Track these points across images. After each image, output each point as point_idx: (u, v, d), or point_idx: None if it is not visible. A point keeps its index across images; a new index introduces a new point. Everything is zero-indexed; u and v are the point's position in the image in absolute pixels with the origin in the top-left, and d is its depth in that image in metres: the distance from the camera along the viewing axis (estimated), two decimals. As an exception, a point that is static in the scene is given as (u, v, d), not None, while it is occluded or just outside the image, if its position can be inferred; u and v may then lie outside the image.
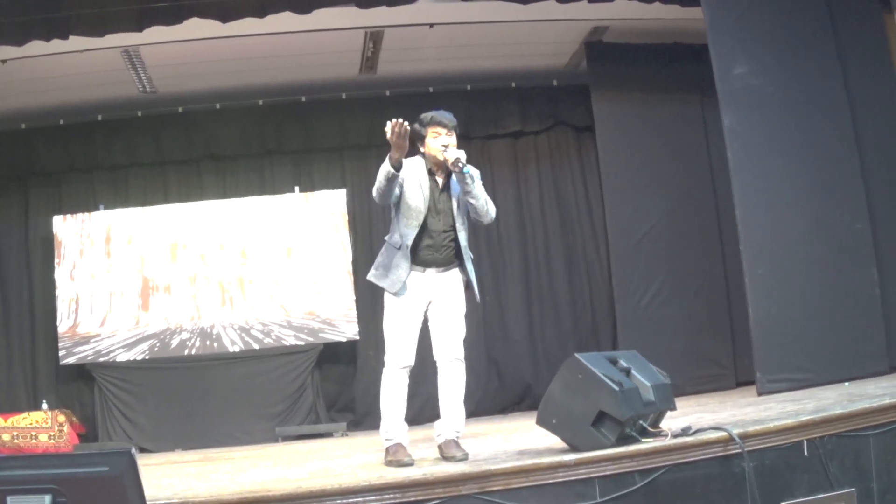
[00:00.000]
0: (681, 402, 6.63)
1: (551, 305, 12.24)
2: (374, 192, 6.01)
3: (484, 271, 12.00)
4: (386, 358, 6.15)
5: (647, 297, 11.08)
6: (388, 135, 5.83)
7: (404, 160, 6.00)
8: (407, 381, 6.16)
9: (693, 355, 10.86)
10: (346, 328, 11.63)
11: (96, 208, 11.79)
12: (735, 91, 8.93)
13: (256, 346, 11.58)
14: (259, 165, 12.32)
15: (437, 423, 6.27)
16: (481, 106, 12.35)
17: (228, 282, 11.73)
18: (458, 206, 6.19)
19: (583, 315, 12.26)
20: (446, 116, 6.24)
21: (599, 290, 12.26)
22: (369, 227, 12.07)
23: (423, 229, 6.10)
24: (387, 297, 6.16)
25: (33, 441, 10.27)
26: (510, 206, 12.29)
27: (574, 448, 5.42)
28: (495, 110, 12.42)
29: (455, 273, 6.19)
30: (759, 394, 8.48)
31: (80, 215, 11.72)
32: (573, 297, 12.29)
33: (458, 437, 6.19)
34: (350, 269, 11.76)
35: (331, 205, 11.91)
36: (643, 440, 5.33)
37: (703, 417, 6.79)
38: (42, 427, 10.33)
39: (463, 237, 6.20)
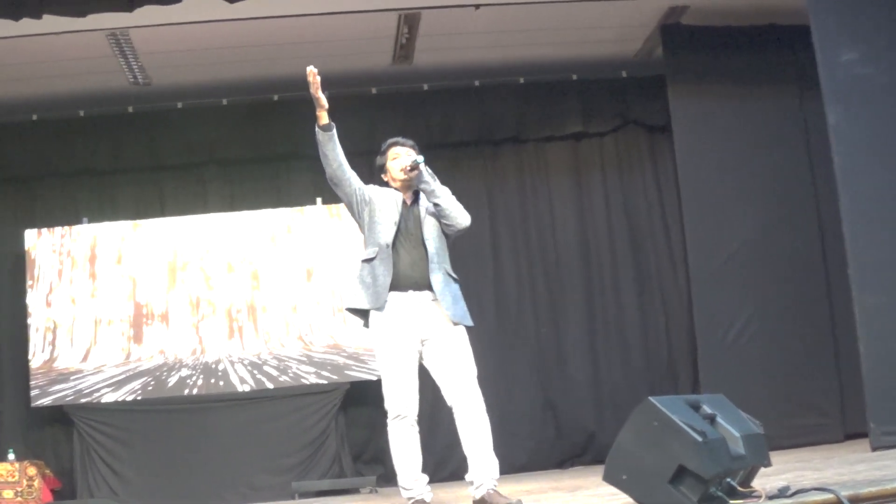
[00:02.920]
0: (776, 457, 6.52)
1: (619, 340, 12.18)
2: (323, 163, 6.94)
3: (539, 298, 11.98)
4: (386, 405, 6.61)
5: (734, 330, 10.97)
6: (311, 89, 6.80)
7: (375, 187, 6.92)
8: (415, 431, 6.59)
9: (790, 401, 10.74)
10: (377, 365, 11.48)
11: (78, 221, 11.83)
12: (842, 82, 8.81)
13: (270, 386, 11.57)
14: (273, 172, 12.37)
15: (469, 474, 6.49)
16: (536, 102, 12.34)
17: (237, 309, 11.74)
18: (428, 222, 6.75)
19: (657, 351, 12.18)
20: (402, 138, 7.04)
21: (677, 321, 12.18)
22: (403, 244, 12.02)
23: (396, 247, 6.66)
24: (374, 331, 6.71)
25: (-4, 499, 10.27)
26: (570, 222, 12.28)
27: (648, 511, 5.30)
28: (553, 108, 12.40)
29: (436, 306, 6.60)
30: (874, 448, 8.31)
31: (58, 229, 11.75)
32: (645, 329, 12.23)
33: (497, 487, 6.42)
34: (381, 294, 11.66)
35: (358, 219, 11.82)
36: (731, 502, 5.21)
37: (803, 476, 6.68)
38: (7, 482, 10.34)
39: (433, 246, 6.67)
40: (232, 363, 11.58)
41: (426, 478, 6.58)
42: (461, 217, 6.69)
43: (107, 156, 11.95)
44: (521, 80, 12.26)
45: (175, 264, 11.71)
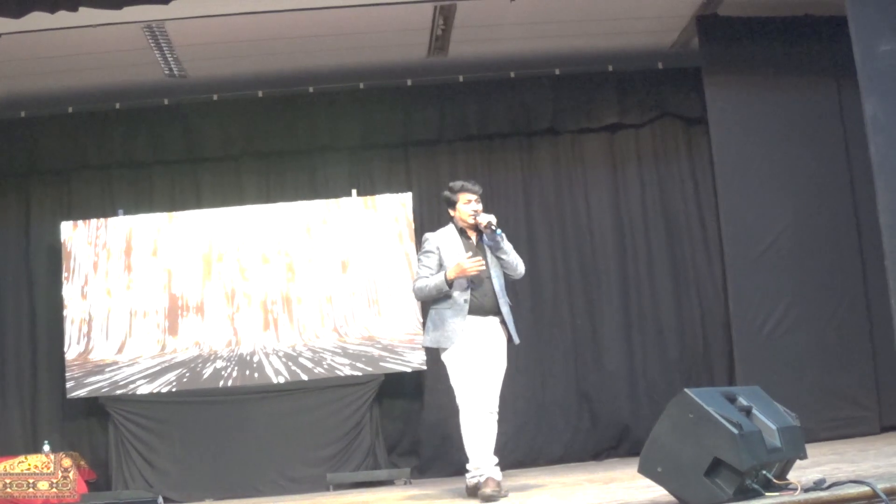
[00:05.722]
0: (812, 450, 6.52)
1: (655, 331, 12.13)
2: (418, 293, 8.18)
3: (575, 290, 11.97)
4: (460, 404, 7.83)
5: (770, 321, 10.94)
6: (467, 269, 7.83)
7: (436, 233, 8.30)
8: (492, 420, 7.84)
9: (827, 393, 10.70)
10: (412, 356, 11.59)
11: (114, 213, 11.89)
12: (880, 73, 8.75)
13: (305, 377, 11.59)
14: (309, 164, 12.37)
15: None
16: (572, 94, 12.29)
17: (273, 301, 11.76)
18: (492, 258, 8.12)
19: (692, 343, 12.13)
20: (475, 186, 8.22)
21: (713, 313, 12.12)
22: (438, 237, 12.05)
23: (466, 285, 7.95)
24: (445, 357, 7.97)
25: (31, 490, 10.34)
26: (605, 214, 12.26)
27: (684, 502, 5.37)
28: (588, 99, 12.36)
29: (498, 325, 8.06)
30: (909, 440, 8.29)
31: (93, 221, 11.80)
32: (681, 321, 12.17)
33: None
34: (416, 286, 11.69)
35: (394, 210, 11.90)
36: (767, 494, 5.25)
37: (840, 468, 6.71)
38: (42, 473, 10.40)
39: (499, 284, 8.07)
40: (267, 355, 11.60)
41: (496, 460, 7.73)
42: (518, 272, 8.22)
43: (143, 148, 11.95)
44: (557, 72, 12.22)
45: (210, 256, 11.73)
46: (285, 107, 12.07)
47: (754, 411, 5.69)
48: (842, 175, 11.13)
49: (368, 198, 11.95)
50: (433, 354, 11.36)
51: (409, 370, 11.60)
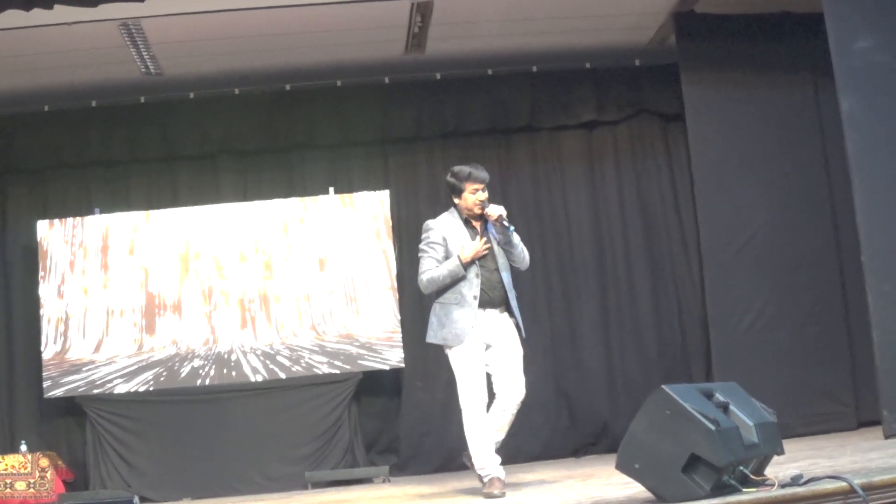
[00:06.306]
0: (789, 445, 6.56)
1: (633, 328, 12.16)
2: (428, 284, 7.81)
3: (553, 287, 11.98)
4: (463, 404, 7.64)
5: (747, 318, 10.95)
6: (478, 249, 7.67)
7: (439, 226, 7.93)
8: (487, 415, 7.70)
9: (804, 389, 10.71)
10: (390, 354, 11.61)
11: (91, 212, 11.83)
12: (856, 70, 8.82)
13: (283, 376, 11.58)
14: (287, 162, 12.35)
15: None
16: (549, 91, 12.31)
17: (250, 299, 11.75)
18: (498, 249, 7.88)
19: (670, 340, 12.17)
20: (482, 173, 7.89)
21: (690, 309, 12.16)
22: (416, 234, 11.97)
23: (473, 276, 7.73)
24: (451, 354, 7.74)
25: (8, 490, 10.30)
26: (583, 211, 12.27)
27: (661, 499, 5.38)
28: (566, 96, 12.36)
29: (506, 317, 7.87)
30: (887, 436, 8.36)
31: (70, 220, 11.75)
32: (659, 318, 12.21)
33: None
34: (394, 284, 11.74)
35: (371, 208, 11.90)
36: (744, 490, 5.28)
37: (817, 464, 6.71)
38: (20, 473, 10.36)
39: (506, 276, 7.86)
40: (244, 353, 11.58)
41: (499, 459, 7.61)
42: (525, 262, 7.98)
43: (119, 146, 11.90)
44: (535, 69, 12.22)
45: (188, 254, 11.71)
46: (262, 105, 12.05)
47: (731, 407, 5.71)
48: (818, 171, 11.15)
49: (346, 195, 11.94)
50: (412, 352, 11.42)
51: (387, 368, 11.60)
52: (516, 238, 7.82)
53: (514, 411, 7.76)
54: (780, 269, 10.97)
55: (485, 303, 7.70)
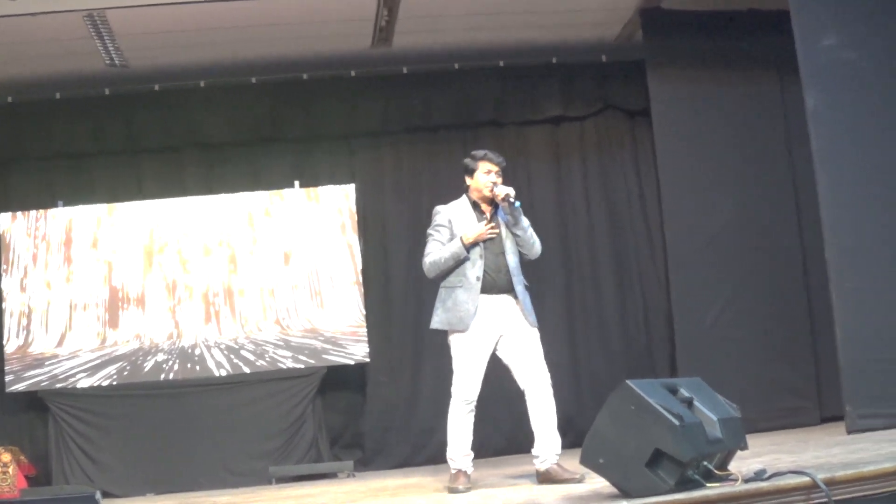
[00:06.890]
0: (753, 440, 6.60)
1: (597, 324, 12.18)
2: (431, 267, 7.79)
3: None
4: (454, 391, 7.69)
5: (712, 313, 11.00)
6: (482, 232, 7.66)
7: (447, 210, 7.93)
8: (473, 413, 7.75)
9: (768, 384, 10.77)
10: (355, 349, 11.59)
11: (54, 205, 11.76)
12: (822, 67, 8.86)
13: (247, 370, 11.54)
14: (252, 156, 12.28)
15: (535, 449, 7.68)
16: (516, 86, 12.32)
17: (214, 293, 11.71)
18: (506, 233, 7.84)
19: (635, 335, 12.20)
20: (498, 157, 7.92)
21: (655, 305, 12.19)
22: (382, 228, 12.04)
23: (476, 257, 7.71)
24: (452, 339, 7.72)
25: (-32, 486, 10.23)
26: (549, 206, 12.24)
27: (625, 494, 5.39)
28: (532, 91, 12.37)
29: (513, 303, 7.79)
30: (849, 431, 8.40)
31: (33, 213, 11.68)
32: (623, 313, 12.23)
33: (559, 462, 7.55)
34: (359, 278, 11.73)
35: (337, 202, 11.89)
36: (708, 485, 5.27)
37: (780, 459, 6.76)
38: (-20, 469, 10.29)
39: (514, 261, 7.82)
40: (208, 347, 11.55)
41: (472, 455, 7.76)
42: (534, 250, 7.94)
43: (83, 139, 11.83)
44: (501, 64, 12.20)
45: (151, 248, 11.65)
46: (228, 97, 11.97)
47: (695, 402, 5.72)
48: (784, 168, 11.21)
49: (311, 189, 11.92)
50: (376, 347, 11.42)
51: (352, 363, 11.59)
52: (525, 221, 7.85)
53: (548, 399, 7.70)
54: (744, 265, 11.02)
55: (489, 286, 7.68)
